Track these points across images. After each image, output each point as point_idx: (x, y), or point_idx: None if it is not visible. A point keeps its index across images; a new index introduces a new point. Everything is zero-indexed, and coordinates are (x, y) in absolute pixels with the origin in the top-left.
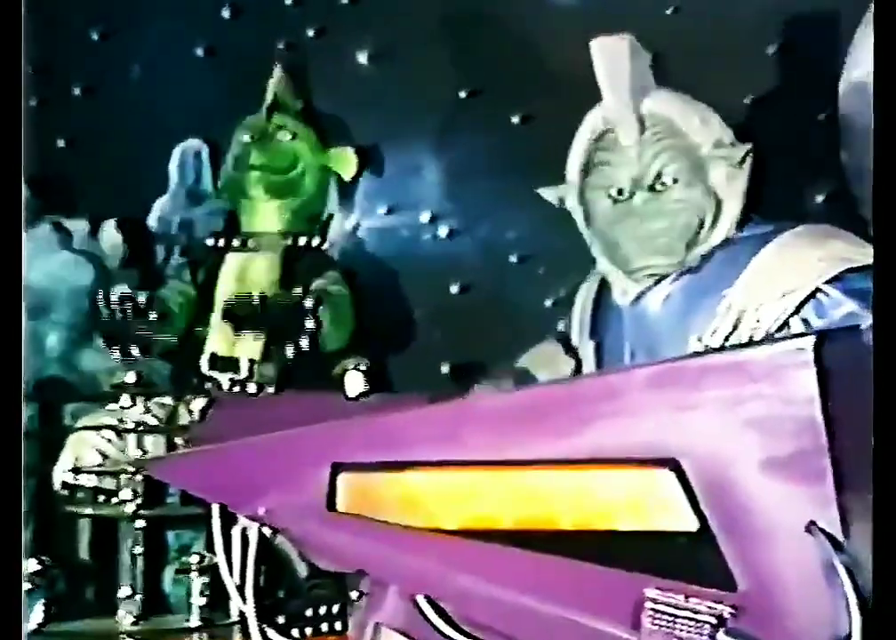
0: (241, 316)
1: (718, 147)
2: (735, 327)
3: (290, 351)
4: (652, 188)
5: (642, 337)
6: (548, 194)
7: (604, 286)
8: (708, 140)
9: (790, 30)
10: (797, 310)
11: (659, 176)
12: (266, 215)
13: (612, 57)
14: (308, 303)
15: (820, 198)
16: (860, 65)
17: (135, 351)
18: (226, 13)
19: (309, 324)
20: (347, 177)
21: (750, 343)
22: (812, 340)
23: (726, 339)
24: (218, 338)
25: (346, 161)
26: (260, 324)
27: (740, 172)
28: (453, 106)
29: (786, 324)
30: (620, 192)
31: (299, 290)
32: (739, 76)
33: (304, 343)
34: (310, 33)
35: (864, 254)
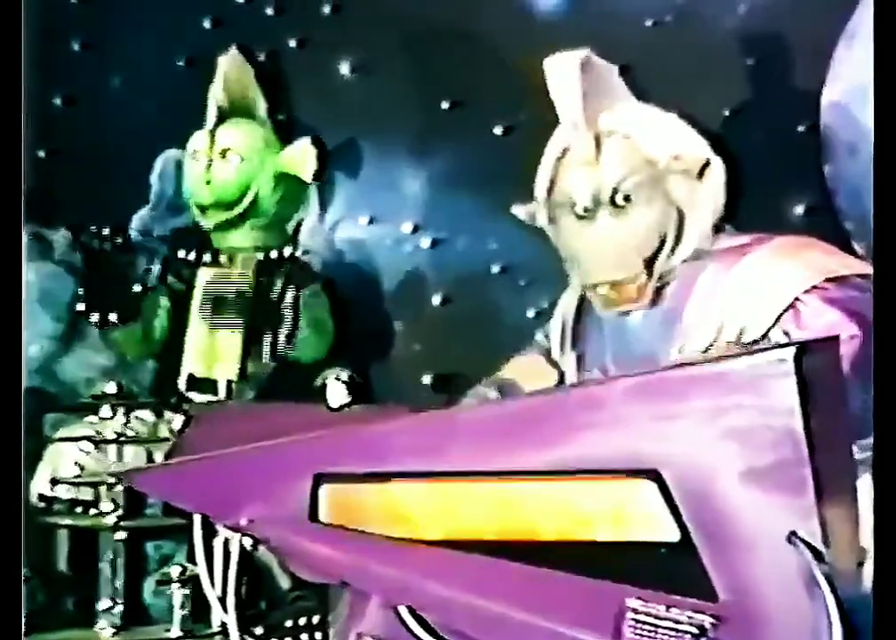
0: (223, 306)
1: (677, 160)
2: (716, 339)
3: (266, 351)
4: (613, 204)
5: (623, 348)
6: (520, 211)
7: (584, 297)
8: (666, 153)
9: (770, 42)
10: (777, 321)
11: (616, 192)
12: (236, 235)
13: (562, 75)
14: (288, 302)
15: (800, 210)
16: (841, 78)
17: (113, 317)
18: (207, 24)
19: (287, 324)
20: (307, 179)
21: (731, 354)
22: (792, 350)
23: (707, 350)
24: (195, 358)
25: (302, 160)
26: (240, 316)
27: (701, 185)
28: (436, 117)
29: (766, 336)
30: (583, 209)
31: (278, 287)
32: (719, 87)
33: (280, 342)
34: (292, 43)
35: (842, 264)
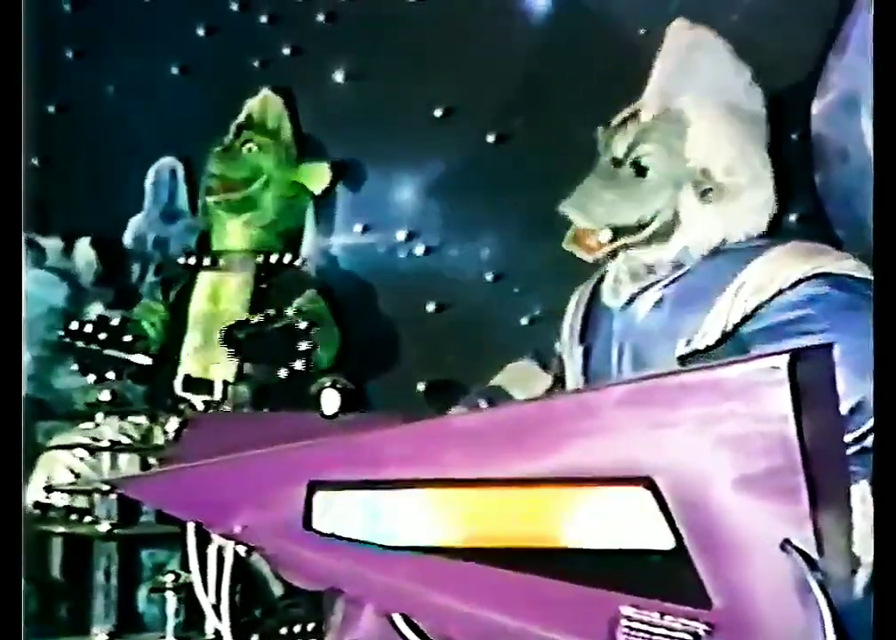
0: (240, 339)
1: (702, 173)
2: (723, 335)
3: (283, 373)
4: (634, 167)
5: (630, 340)
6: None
7: (596, 291)
8: (699, 162)
9: (761, 50)
10: (756, 311)
11: (638, 160)
12: (234, 233)
13: (671, 41)
14: (302, 325)
15: (792, 217)
16: (832, 86)
17: (110, 375)
18: (200, 31)
19: (304, 346)
20: (316, 191)
21: (725, 361)
22: (786, 358)
23: (714, 346)
24: (192, 359)
25: (317, 176)
26: (257, 347)
27: (705, 207)
28: (429, 124)
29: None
30: (613, 157)
31: (290, 311)
32: None
33: (299, 365)
34: (286, 51)
35: (843, 268)
